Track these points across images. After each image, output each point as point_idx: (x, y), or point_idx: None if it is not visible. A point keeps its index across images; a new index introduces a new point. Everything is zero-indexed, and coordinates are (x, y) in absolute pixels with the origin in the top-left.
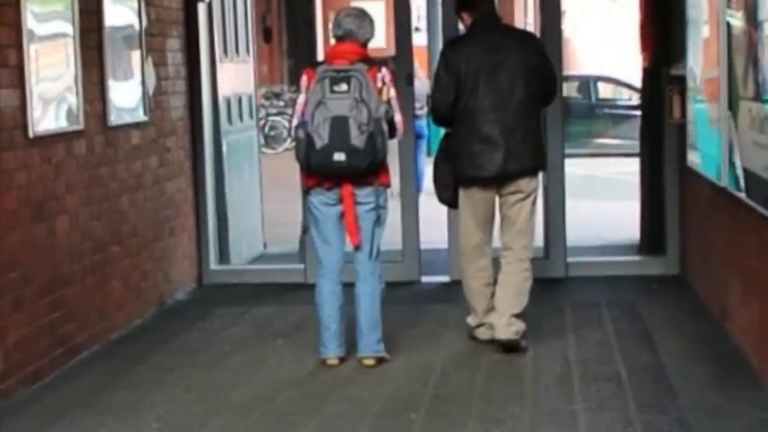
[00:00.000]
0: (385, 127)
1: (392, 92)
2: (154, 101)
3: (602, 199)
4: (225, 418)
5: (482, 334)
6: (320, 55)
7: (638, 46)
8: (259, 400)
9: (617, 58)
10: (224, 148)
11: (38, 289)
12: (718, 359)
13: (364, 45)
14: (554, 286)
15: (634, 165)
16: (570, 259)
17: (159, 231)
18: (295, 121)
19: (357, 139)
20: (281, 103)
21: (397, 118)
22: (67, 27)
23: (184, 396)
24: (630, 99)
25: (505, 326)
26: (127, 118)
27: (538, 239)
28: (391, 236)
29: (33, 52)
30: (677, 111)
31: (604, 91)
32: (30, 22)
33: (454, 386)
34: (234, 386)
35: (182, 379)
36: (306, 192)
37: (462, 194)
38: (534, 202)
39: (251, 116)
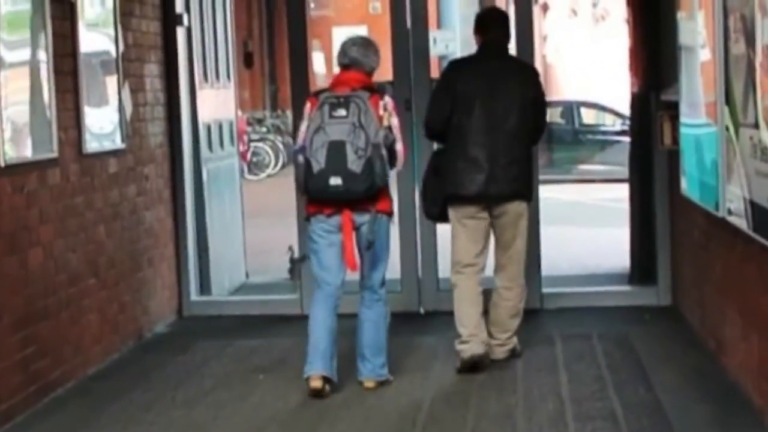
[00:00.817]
0: (384, 152)
1: (394, 120)
2: (131, 128)
3: (589, 226)
4: None
5: (468, 350)
6: (315, 83)
7: (627, 70)
8: None
9: (601, 83)
10: (204, 176)
11: (10, 324)
12: (717, 396)
13: (369, 74)
14: (542, 317)
15: (620, 191)
16: (556, 289)
17: (137, 261)
18: (298, 146)
19: (354, 164)
20: (264, 129)
21: (398, 147)
22: (39, 52)
23: None
24: (614, 125)
25: (499, 347)
26: (104, 146)
27: None
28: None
29: (2, 78)
30: (668, 137)
31: (587, 116)
32: (0, 47)
33: (443, 425)
34: (215, 425)
35: (161, 417)
36: (307, 219)
37: (450, 211)
38: (524, 226)
39: (232, 143)
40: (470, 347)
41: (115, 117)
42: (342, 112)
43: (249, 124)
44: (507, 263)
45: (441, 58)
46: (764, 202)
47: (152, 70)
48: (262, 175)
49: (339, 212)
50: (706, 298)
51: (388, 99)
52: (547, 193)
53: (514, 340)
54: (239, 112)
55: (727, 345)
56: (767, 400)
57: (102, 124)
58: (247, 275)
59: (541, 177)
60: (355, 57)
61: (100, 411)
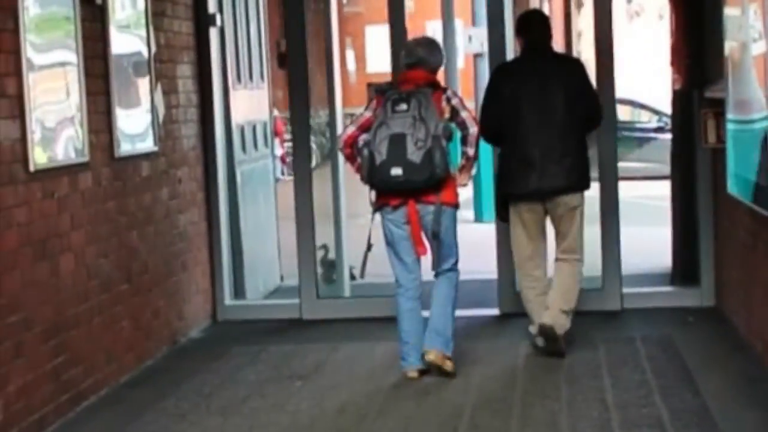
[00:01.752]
0: (444, 144)
1: (464, 114)
2: (164, 130)
3: (628, 224)
4: None
5: (539, 340)
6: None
7: (669, 67)
8: None
9: (637, 80)
10: (238, 178)
11: (41, 332)
12: (766, 402)
13: (434, 71)
14: (583, 319)
15: (658, 189)
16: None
17: (171, 266)
18: (350, 129)
19: (413, 155)
20: None
21: (472, 130)
22: (70, 55)
23: None
24: (650, 121)
25: (552, 316)
26: (136, 149)
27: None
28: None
29: (33, 81)
30: (712, 135)
31: (623, 113)
32: (29, 49)
33: None
34: None
35: (195, 426)
36: (375, 211)
37: (510, 210)
38: (581, 216)
39: (266, 144)
40: (540, 339)
41: (147, 119)
42: (403, 106)
43: (285, 123)
44: (565, 249)
45: (476, 55)
46: None
47: (185, 71)
48: None
49: (405, 203)
50: (752, 300)
51: (451, 92)
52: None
53: (568, 320)
54: (276, 112)
55: None
56: None
57: (134, 126)
58: (281, 278)
59: None
60: (422, 56)
61: (133, 420)
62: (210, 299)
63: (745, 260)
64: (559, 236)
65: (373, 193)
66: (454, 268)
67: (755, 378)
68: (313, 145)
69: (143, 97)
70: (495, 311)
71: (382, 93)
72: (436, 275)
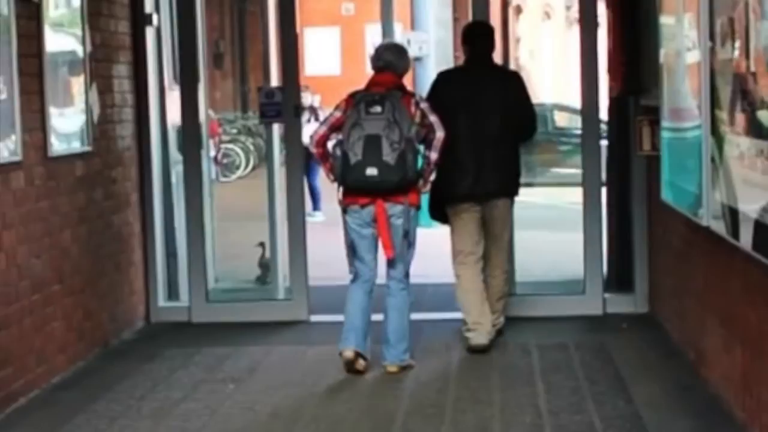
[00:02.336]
0: (416, 147)
1: (432, 117)
2: (99, 130)
3: (563, 230)
4: None
5: (475, 338)
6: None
7: (606, 75)
8: None
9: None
10: (174, 179)
11: None
12: (698, 410)
13: (401, 76)
14: (517, 325)
15: None
16: (531, 296)
17: (104, 267)
18: (321, 129)
19: (389, 156)
20: (234, 131)
21: (440, 134)
22: (2, 52)
23: None
24: None
25: (486, 334)
26: (70, 148)
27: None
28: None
29: None
30: (647, 143)
31: (561, 119)
32: None
33: None
34: None
35: (126, 429)
36: (343, 210)
37: (448, 210)
38: (509, 220)
39: (201, 145)
40: (476, 336)
41: (82, 119)
42: (378, 108)
43: (220, 125)
44: (494, 254)
45: (415, 59)
46: (751, 210)
47: (120, 71)
48: (233, 177)
49: (373, 203)
50: (685, 308)
51: (419, 97)
52: (520, 196)
53: (501, 320)
54: (211, 114)
55: (708, 356)
56: (750, 413)
57: (68, 126)
58: (216, 280)
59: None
60: (390, 60)
61: (63, 422)
62: (143, 301)
63: (678, 268)
64: (490, 239)
65: (341, 192)
66: (408, 275)
67: (687, 386)
68: (251, 147)
69: (78, 96)
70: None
71: (353, 95)
72: (390, 281)
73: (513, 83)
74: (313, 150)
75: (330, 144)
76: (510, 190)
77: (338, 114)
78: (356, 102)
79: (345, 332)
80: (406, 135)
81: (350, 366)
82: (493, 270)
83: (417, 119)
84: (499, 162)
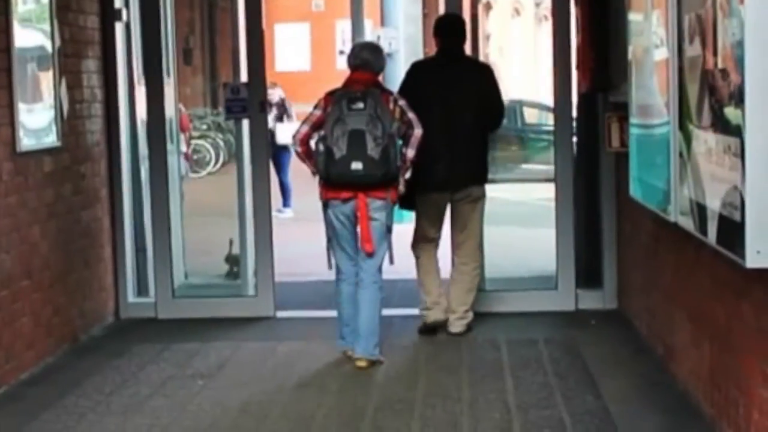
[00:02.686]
0: (398, 141)
1: (410, 114)
2: (68, 126)
3: (533, 226)
4: None
5: (432, 315)
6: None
7: (575, 71)
8: None
9: (544, 83)
10: (143, 174)
11: None
12: (666, 405)
13: (377, 74)
14: (486, 321)
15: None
16: (500, 292)
17: (73, 263)
18: (303, 128)
19: (373, 151)
20: (204, 126)
21: (417, 132)
22: None
23: None
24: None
25: (458, 320)
26: (39, 144)
27: None
28: None
29: None
30: (616, 139)
31: (530, 116)
32: None
33: None
34: None
35: (95, 425)
36: (325, 205)
37: (417, 198)
38: (482, 210)
39: (171, 140)
40: (433, 313)
41: (51, 114)
42: (360, 105)
43: (191, 120)
44: (464, 241)
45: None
46: (716, 206)
47: (90, 66)
48: (203, 172)
49: (355, 197)
50: (654, 304)
51: (397, 95)
52: (490, 192)
53: (470, 315)
54: (182, 108)
55: (677, 352)
56: (718, 409)
57: (37, 121)
58: (186, 276)
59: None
60: (368, 59)
61: (31, 418)
62: (113, 296)
63: (646, 264)
64: (459, 226)
65: (322, 187)
66: (380, 270)
67: (656, 381)
68: (221, 143)
69: (47, 91)
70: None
71: (331, 93)
72: (364, 274)
73: (485, 75)
74: (297, 149)
75: (312, 142)
76: (482, 178)
77: (318, 112)
78: (336, 99)
79: (345, 333)
80: (389, 131)
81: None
82: (465, 259)
83: (396, 116)
84: (472, 152)
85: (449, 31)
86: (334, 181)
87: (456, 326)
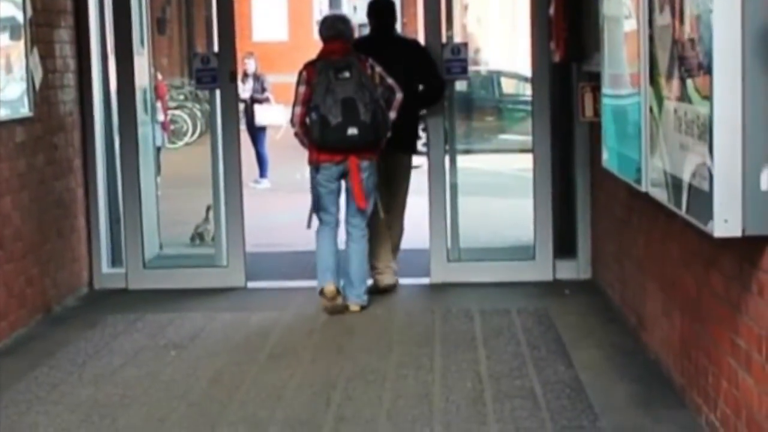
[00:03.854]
0: (384, 105)
1: (389, 80)
2: (40, 96)
3: (508, 196)
4: None
5: (382, 281)
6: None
7: (549, 41)
8: (148, 421)
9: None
10: (117, 145)
11: None
12: (638, 374)
13: (349, 42)
14: (459, 291)
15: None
16: (477, 263)
17: (46, 233)
18: (297, 109)
19: (365, 116)
20: (181, 97)
21: (399, 96)
22: None
23: (68, 417)
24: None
25: (393, 275)
26: (10, 114)
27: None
28: None
29: None
30: (590, 109)
31: (508, 86)
32: None
33: (359, 405)
34: (122, 405)
35: (66, 396)
36: (315, 168)
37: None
38: (410, 175)
39: (146, 111)
40: (385, 278)
41: (23, 84)
42: (347, 73)
43: (168, 90)
44: (394, 207)
45: (361, 26)
46: (686, 176)
47: (62, 35)
48: (180, 143)
49: (346, 159)
50: (627, 273)
51: (371, 60)
52: (467, 163)
53: (395, 266)
54: (159, 76)
55: (648, 321)
56: (688, 378)
57: (8, 92)
58: (161, 247)
59: (461, 147)
60: (341, 29)
61: (4, 389)
62: (87, 267)
63: (619, 234)
64: (393, 198)
65: (314, 152)
66: (366, 233)
67: (628, 350)
68: (198, 113)
69: (18, 62)
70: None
71: (311, 64)
72: (353, 229)
73: (418, 52)
74: (297, 130)
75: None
76: (412, 147)
77: (303, 88)
78: (320, 69)
79: (321, 272)
80: (374, 96)
81: (332, 299)
82: (392, 222)
83: (377, 81)
84: (404, 123)
85: (378, 14)
86: (331, 146)
87: (390, 279)
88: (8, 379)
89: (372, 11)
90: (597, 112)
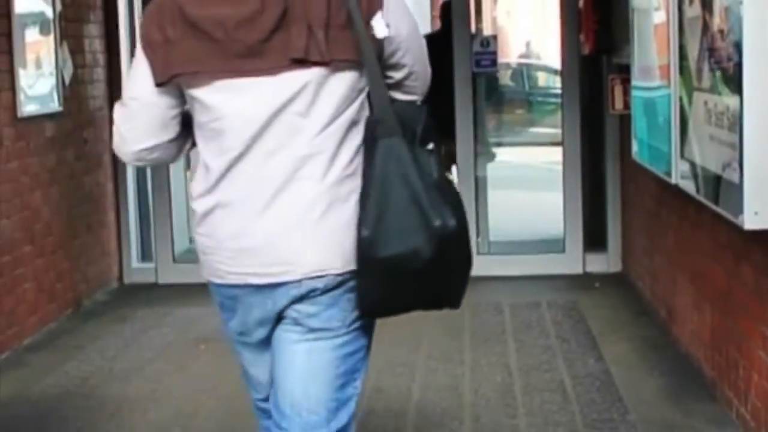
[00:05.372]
0: None
1: None
2: (70, 91)
3: (539, 190)
4: None
5: None
6: None
7: (578, 33)
8: (177, 415)
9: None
10: None
11: None
12: (668, 368)
13: None
14: (489, 284)
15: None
16: (507, 256)
17: (76, 228)
18: None
19: None
20: None
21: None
22: None
23: (97, 411)
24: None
25: None
26: (40, 109)
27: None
28: None
29: None
30: (620, 101)
31: (537, 79)
32: None
33: (387, 398)
34: (152, 399)
35: (97, 390)
36: None
37: None
38: None
39: None
40: None
41: (53, 79)
42: None
43: None
44: None
45: None
46: (716, 168)
47: (92, 30)
48: None
49: None
50: (657, 266)
51: None
52: (496, 156)
53: None
54: None
55: (679, 315)
56: (719, 371)
57: (39, 86)
58: (191, 241)
59: (492, 140)
60: None
61: (34, 383)
62: (117, 262)
63: (649, 226)
64: None
65: None
66: None
67: (658, 344)
68: None
69: (48, 56)
70: None
71: None
72: None
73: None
74: None
75: None
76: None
77: None
78: None
79: None
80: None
81: None
82: None
83: None
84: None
85: None
86: None
87: None
88: (38, 374)
89: None
90: (627, 105)
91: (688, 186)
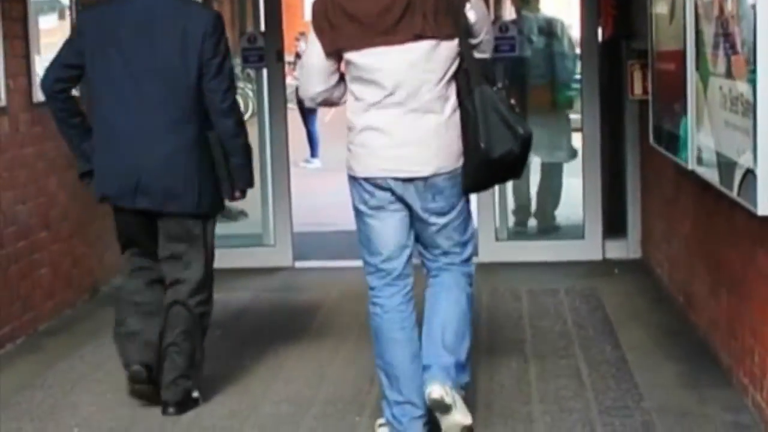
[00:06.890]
0: None
1: None
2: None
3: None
4: (152, 420)
5: None
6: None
7: (598, 19)
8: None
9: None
10: None
11: None
12: (685, 354)
13: None
14: (507, 270)
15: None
16: (526, 242)
17: (92, 213)
18: None
19: None
20: None
21: None
22: None
23: (111, 396)
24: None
25: None
26: None
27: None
28: None
29: None
30: (639, 87)
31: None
32: None
33: None
34: None
35: (110, 375)
36: None
37: None
38: None
39: None
40: None
41: None
42: None
43: None
44: None
45: None
46: (731, 153)
47: None
48: None
49: None
50: (674, 253)
51: None
52: None
53: None
54: None
55: (696, 301)
56: (735, 358)
57: None
58: None
59: None
60: None
61: (48, 368)
62: None
63: (668, 212)
64: None
65: None
66: None
67: (675, 331)
68: (250, 93)
69: (63, 41)
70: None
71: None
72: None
73: None
74: None
75: None
76: None
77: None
78: None
79: None
80: None
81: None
82: None
83: None
84: None
85: None
86: None
87: None
88: (54, 358)
89: None
90: (646, 90)
91: (704, 172)
